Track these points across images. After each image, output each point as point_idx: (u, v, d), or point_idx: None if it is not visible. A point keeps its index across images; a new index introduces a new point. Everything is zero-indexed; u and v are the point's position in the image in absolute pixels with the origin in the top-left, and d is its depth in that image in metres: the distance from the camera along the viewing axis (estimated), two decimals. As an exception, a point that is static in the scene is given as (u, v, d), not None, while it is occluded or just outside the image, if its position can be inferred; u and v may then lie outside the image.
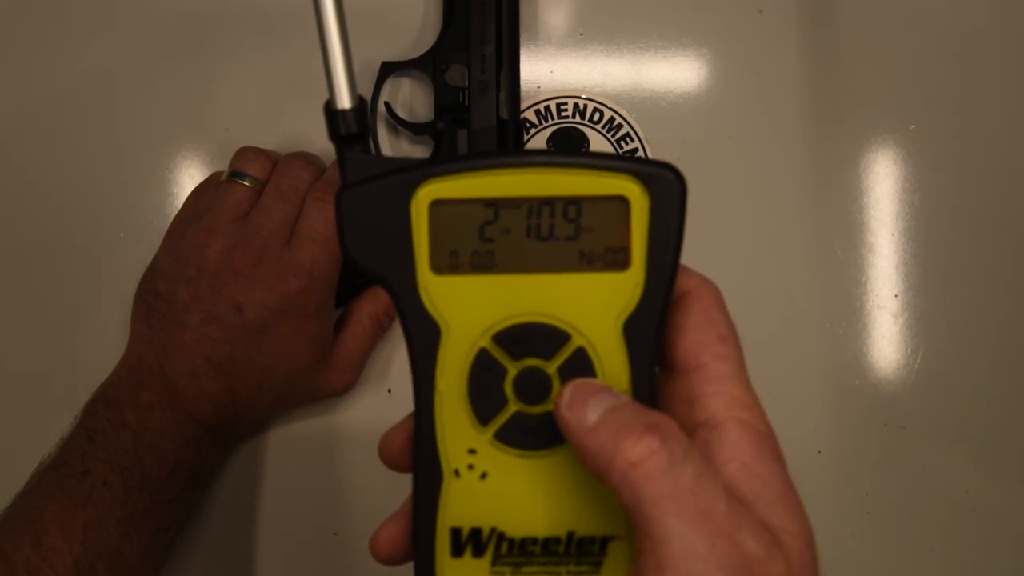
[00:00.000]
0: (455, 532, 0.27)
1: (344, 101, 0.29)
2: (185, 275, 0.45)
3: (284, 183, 0.46)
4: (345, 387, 0.50)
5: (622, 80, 0.52)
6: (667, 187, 0.27)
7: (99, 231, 0.52)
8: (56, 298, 0.52)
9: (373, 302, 0.50)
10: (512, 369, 0.27)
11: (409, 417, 0.28)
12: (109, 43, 0.53)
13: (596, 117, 0.52)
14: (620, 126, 0.52)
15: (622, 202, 0.26)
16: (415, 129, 0.50)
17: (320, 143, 0.51)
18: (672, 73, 0.52)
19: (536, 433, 0.27)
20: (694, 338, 0.27)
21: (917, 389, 0.51)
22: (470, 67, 0.48)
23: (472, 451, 0.27)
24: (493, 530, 0.27)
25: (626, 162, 0.26)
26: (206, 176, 0.49)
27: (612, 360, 0.26)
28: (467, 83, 0.48)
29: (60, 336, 0.51)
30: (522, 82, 0.51)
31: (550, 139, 0.52)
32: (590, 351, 0.27)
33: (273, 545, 0.51)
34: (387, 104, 0.50)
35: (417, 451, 0.27)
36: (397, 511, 0.30)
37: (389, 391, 0.51)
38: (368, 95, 0.50)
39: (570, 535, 0.27)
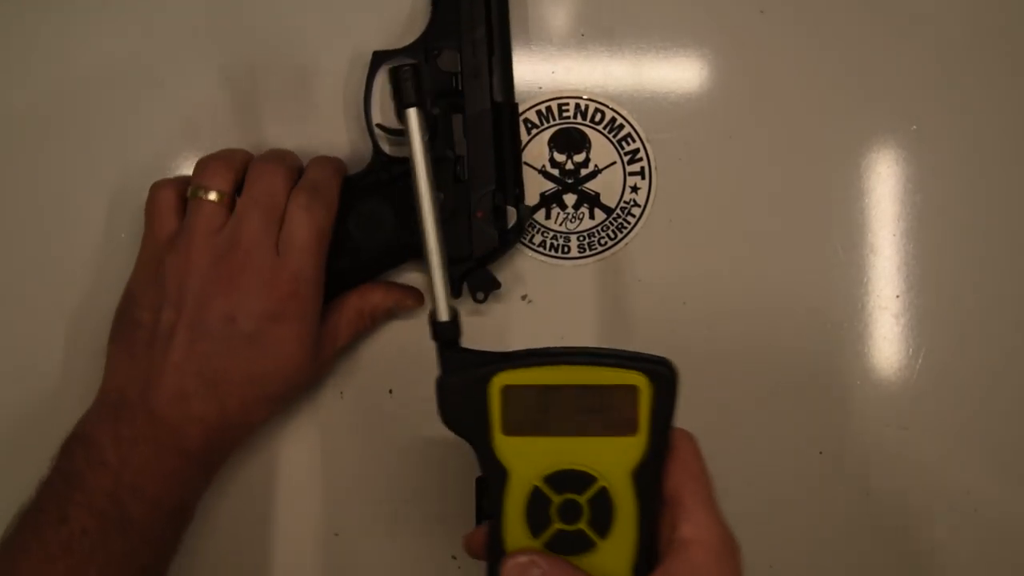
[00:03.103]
0: None
1: (443, 315, 0.39)
2: (169, 298, 0.44)
3: (258, 191, 0.45)
4: (317, 378, 0.50)
5: (623, 81, 0.52)
6: (665, 379, 0.37)
7: (99, 231, 0.52)
8: (56, 298, 0.52)
9: (361, 297, 0.49)
10: (556, 500, 0.38)
11: (485, 525, 0.39)
12: (109, 43, 0.53)
13: (597, 118, 0.52)
14: (621, 127, 0.52)
15: (633, 389, 0.37)
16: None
17: (315, 138, 0.51)
18: (673, 73, 0.52)
19: (572, 543, 0.38)
20: (676, 479, 0.37)
21: (919, 390, 0.51)
22: (462, 51, 0.48)
23: None
24: None
25: (637, 361, 0.37)
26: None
27: (624, 496, 0.37)
28: (460, 68, 0.48)
29: (60, 336, 0.51)
30: (523, 83, 0.51)
31: (551, 139, 0.52)
32: (610, 489, 0.37)
33: (273, 545, 0.51)
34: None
35: (490, 553, 0.38)
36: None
37: (391, 392, 0.52)
38: (361, 87, 0.50)
39: None
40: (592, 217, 0.52)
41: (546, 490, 0.37)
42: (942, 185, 0.52)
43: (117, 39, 0.53)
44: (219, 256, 0.44)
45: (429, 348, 0.51)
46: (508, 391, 0.37)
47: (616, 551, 0.37)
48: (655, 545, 0.37)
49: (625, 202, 0.52)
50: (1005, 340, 0.51)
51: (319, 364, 0.48)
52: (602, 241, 0.52)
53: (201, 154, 0.49)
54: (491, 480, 0.38)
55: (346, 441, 0.52)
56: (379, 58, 0.49)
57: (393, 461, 0.51)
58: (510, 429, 0.37)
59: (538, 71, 0.52)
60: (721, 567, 0.36)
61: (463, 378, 0.38)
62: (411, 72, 0.39)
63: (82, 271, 0.52)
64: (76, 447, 0.43)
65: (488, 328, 0.51)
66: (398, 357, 0.52)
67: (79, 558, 0.40)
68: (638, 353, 0.37)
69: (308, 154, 0.49)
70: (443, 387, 0.38)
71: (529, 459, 0.37)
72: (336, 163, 0.49)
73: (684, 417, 0.51)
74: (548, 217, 0.52)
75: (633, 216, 0.52)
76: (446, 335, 0.39)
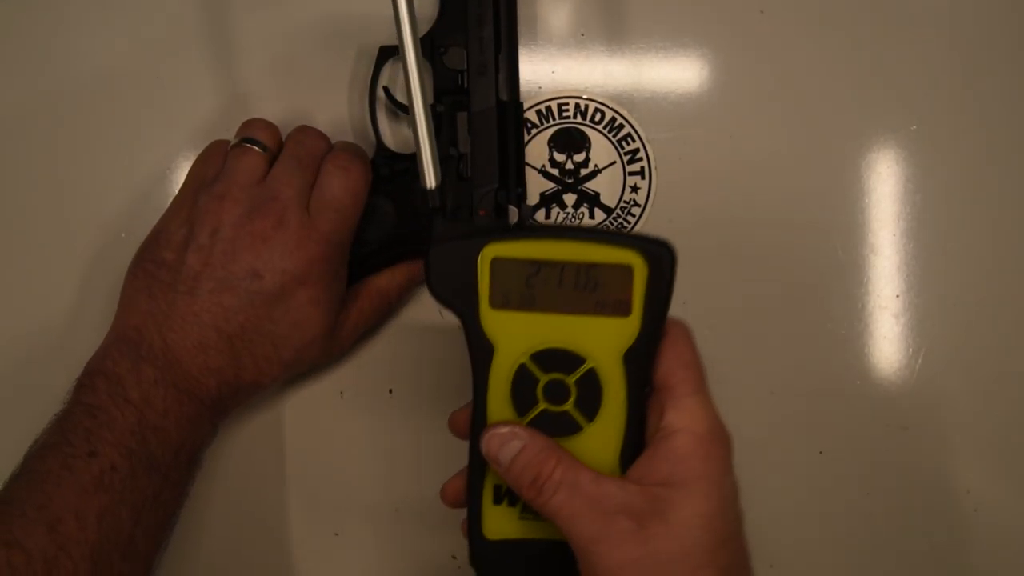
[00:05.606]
0: (496, 488, 0.38)
1: (431, 182, 0.41)
2: (197, 242, 0.44)
3: (301, 151, 0.46)
4: (340, 356, 0.50)
5: (623, 80, 0.52)
6: (662, 260, 0.35)
7: (100, 232, 0.52)
8: (57, 299, 0.52)
9: (388, 279, 0.49)
10: (542, 379, 0.36)
11: (469, 404, 0.38)
12: (110, 42, 0.53)
13: (597, 117, 0.52)
14: (621, 126, 0.52)
15: (628, 269, 0.35)
16: None
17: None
18: (673, 73, 0.52)
19: (557, 424, 0.36)
20: (667, 366, 0.36)
21: (919, 390, 0.51)
22: (468, 49, 0.48)
23: None
24: None
25: (633, 239, 0.35)
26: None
27: (614, 379, 0.36)
28: (466, 65, 0.48)
29: (60, 337, 0.51)
30: (523, 83, 0.51)
31: (551, 139, 0.52)
32: (599, 371, 0.36)
33: (273, 546, 0.51)
34: (386, 89, 0.50)
35: (474, 432, 0.37)
36: (459, 472, 0.40)
37: (391, 391, 0.52)
38: (367, 80, 0.50)
39: None
40: (592, 217, 0.52)
41: (533, 368, 0.36)
42: (942, 185, 0.52)
43: (120, 38, 0.53)
44: (254, 208, 0.44)
45: (429, 349, 0.51)
46: (497, 263, 0.36)
47: (603, 436, 0.36)
48: (643, 433, 0.36)
49: (625, 202, 0.52)
50: (1005, 340, 0.51)
51: (335, 343, 0.48)
52: (602, 241, 0.52)
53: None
54: (477, 356, 0.37)
55: (346, 441, 0.52)
56: (385, 53, 0.50)
57: (393, 461, 0.51)
58: (498, 303, 0.36)
59: (538, 71, 0.52)
60: (708, 457, 0.35)
61: (453, 248, 0.36)
62: None
63: (79, 270, 0.52)
64: (99, 381, 0.42)
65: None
66: (398, 357, 0.52)
67: (112, 496, 0.40)
68: (636, 233, 0.36)
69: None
70: (432, 256, 0.37)
71: (516, 335, 0.36)
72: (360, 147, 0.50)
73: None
74: (548, 217, 0.52)
75: (633, 216, 0.52)
76: (433, 201, 0.40)
